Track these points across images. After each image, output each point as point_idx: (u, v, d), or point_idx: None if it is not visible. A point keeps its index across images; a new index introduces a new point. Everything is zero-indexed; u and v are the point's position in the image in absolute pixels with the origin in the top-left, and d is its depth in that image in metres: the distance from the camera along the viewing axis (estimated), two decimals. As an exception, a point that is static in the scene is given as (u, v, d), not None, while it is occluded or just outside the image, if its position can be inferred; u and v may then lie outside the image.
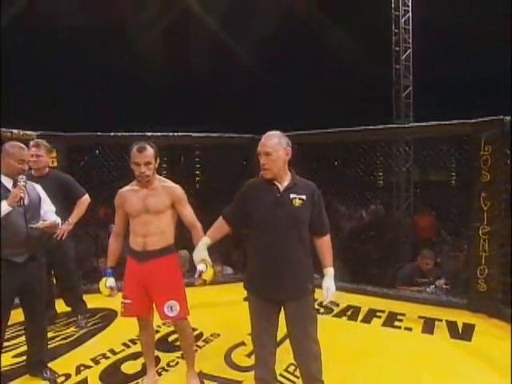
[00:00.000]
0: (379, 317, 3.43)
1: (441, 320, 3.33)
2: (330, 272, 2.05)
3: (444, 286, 4.01)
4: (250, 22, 9.41)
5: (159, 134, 4.26)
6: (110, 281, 2.27)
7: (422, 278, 4.25)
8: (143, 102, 10.13)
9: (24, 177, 2.35)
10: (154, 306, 2.30)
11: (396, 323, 3.29)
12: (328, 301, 2.07)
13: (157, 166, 2.24)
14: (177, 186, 2.32)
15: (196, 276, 1.98)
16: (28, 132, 3.86)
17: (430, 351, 2.80)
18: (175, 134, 4.42)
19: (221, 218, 2.10)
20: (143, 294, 2.23)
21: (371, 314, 3.49)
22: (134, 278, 2.24)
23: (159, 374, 2.52)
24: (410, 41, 6.72)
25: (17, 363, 2.69)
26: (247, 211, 2.01)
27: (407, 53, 6.70)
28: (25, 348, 2.62)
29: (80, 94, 9.48)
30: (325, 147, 4.86)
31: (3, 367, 2.48)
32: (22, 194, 2.25)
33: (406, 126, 5.38)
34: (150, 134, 4.17)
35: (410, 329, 3.19)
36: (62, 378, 2.49)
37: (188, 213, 2.31)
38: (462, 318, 3.36)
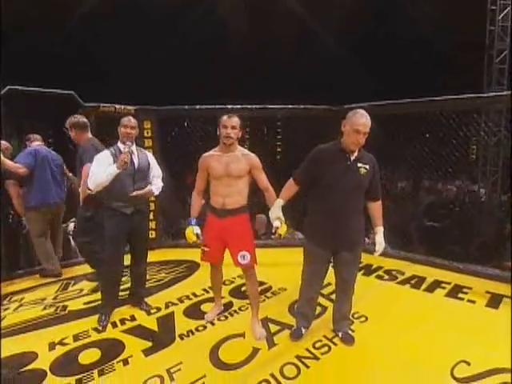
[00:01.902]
0: (443, 288, 3.46)
1: (510, 297, 3.25)
2: (380, 230, 2.48)
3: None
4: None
5: (239, 106, 4.57)
6: (196, 228, 2.67)
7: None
8: (225, 76, 10.50)
9: (130, 143, 2.84)
10: (224, 255, 2.72)
11: (460, 295, 3.30)
12: (379, 253, 2.47)
13: (240, 135, 2.58)
14: (253, 154, 2.65)
15: (273, 231, 2.41)
16: (128, 107, 4.48)
17: (489, 324, 2.80)
18: (254, 106, 4.68)
19: (291, 179, 2.47)
20: (219, 245, 2.65)
21: (435, 285, 3.53)
22: (214, 231, 2.64)
23: (231, 315, 2.96)
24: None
25: (121, 296, 3.35)
26: (317, 173, 2.35)
27: (505, 11, 6.05)
28: (128, 285, 3.24)
29: (167, 70, 10.07)
30: (408, 119, 4.68)
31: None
32: (125, 159, 2.73)
33: (501, 94, 4.94)
34: (230, 106, 4.53)
35: (473, 301, 3.17)
36: (154, 310, 3.07)
37: (263, 178, 2.65)
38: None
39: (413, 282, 3.63)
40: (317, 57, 10.30)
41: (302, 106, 4.81)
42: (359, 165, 2.33)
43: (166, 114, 4.78)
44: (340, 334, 2.59)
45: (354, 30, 9.51)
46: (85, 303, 3.24)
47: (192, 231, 2.66)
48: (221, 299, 3.04)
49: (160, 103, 4.69)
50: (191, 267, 4.09)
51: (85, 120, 3.50)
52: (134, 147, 2.91)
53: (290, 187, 2.48)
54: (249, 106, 4.67)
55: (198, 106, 4.66)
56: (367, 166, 2.35)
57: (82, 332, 2.72)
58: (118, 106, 4.34)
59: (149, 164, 3.02)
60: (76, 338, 2.65)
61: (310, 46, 10.58)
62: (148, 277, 3.74)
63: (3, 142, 3.94)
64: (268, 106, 4.77)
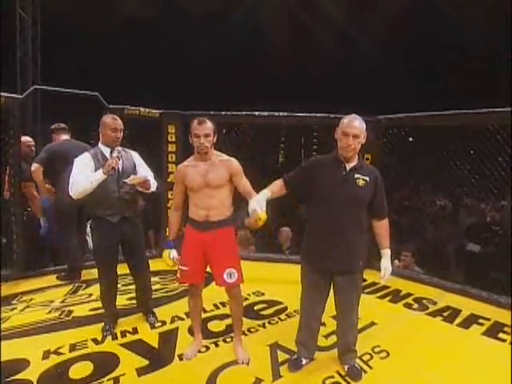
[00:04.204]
0: (481, 324, 3.06)
1: None
2: (387, 253, 2.23)
3: None
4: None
5: (266, 113, 4.40)
6: (173, 252, 2.41)
7: None
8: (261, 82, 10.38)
9: (120, 148, 2.66)
10: (205, 274, 2.44)
11: (500, 335, 2.89)
12: (385, 279, 2.23)
13: (215, 140, 2.32)
14: (233, 158, 2.40)
15: (250, 216, 2.10)
16: (152, 110, 4.41)
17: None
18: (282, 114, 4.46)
19: (280, 180, 2.28)
20: (200, 262, 2.37)
21: (472, 320, 3.13)
22: (193, 247, 2.35)
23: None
24: None
25: (129, 304, 3.22)
26: (309, 184, 2.18)
27: None
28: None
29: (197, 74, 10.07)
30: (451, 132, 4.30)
31: (119, 306, 2.99)
32: (113, 165, 2.52)
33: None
34: (257, 113, 4.38)
35: (517, 344, 2.77)
36: (159, 324, 2.90)
37: (245, 183, 2.38)
38: None
39: (446, 314, 3.24)
40: (359, 67, 9.97)
41: (332, 116, 4.56)
42: (356, 175, 2.13)
43: (190, 119, 4.66)
44: (346, 368, 2.31)
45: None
46: (91, 309, 3.13)
47: (168, 255, 2.41)
48: (201, 331, 2.63)
49: (184, 108, 4.61)
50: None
51: (62, 125, 3.87)
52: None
53: (278, 185, 2.27)
54: (277, 114, 4.48)
55: (223, 112, 4.52)
56: (367, 178, 2.14)
57: (80, 342, 2.59)
58: (142, 109, 4.28)
59: (134, 165, 2.80)
60: (73, 347, 2.52)
61: (350, 57, 10.26)
62: (160, 286, 3.64)
63: (27, 137, 3.97)
64: (297, 114, 4.56)
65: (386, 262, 2.21)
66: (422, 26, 8.39)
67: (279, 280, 3.83)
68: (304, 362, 2.37)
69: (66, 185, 2.59)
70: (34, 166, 3.63)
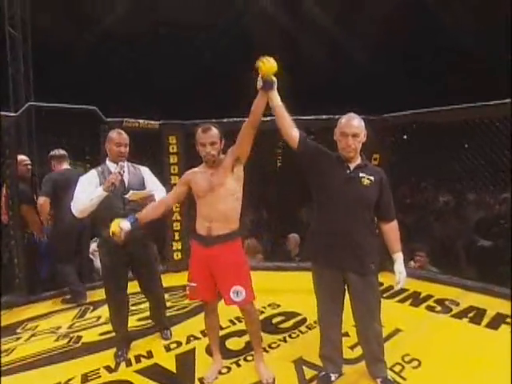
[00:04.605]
0: (508, 323, 2.93)
1: None
2: (399, 257, 2.11)
3: None
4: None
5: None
6: (126, 224, 2.15)
7: None
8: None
9: (124, 163, 2.54)
10: (217, 290, 2.27)
11: (532, 334, 2.77)
12: (401, 285, 2.10)
13: (222, 146, 2.20)
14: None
15: None
16: (152, 122, 4.28)
17: None
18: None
19: (297, 130, 2.15)
20: (209, 278, 2.21)
21: (499, 320, 2.99)
22: (200, 262, 2.22)
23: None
24: None
25: (140, 325, 3.06)
26: (315, 166, 2.10)
27: None
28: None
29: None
30: (445, 127, 4.25)
31: (130, 328, 2.84)
32: (113, 180, 2.40)
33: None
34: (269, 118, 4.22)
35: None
36: (174, 345, 2.74)
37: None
38: None
39: (471, 315, 3.11)
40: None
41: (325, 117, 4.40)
42: (361, 175, 2.05)
43: (192, 129, 4.54)
44: (379, 382, 2.16)
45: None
46: (101, 334, 2.97)
47: (118, 223, 2.14)
48: (219, 351, 2.47)
49: (185, 118, 4.48)
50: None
51: (62, 152, 3.77)
52: (125, 165, 2.59)
53: (293, 134, 2.13)
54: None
55: (225, 119, 4.39)
56: (372, 178, 2.05)
57: (93, 371, 2.43)
58: (141, 121, 4.15)
59: (143, 181, 2.68)
60: (85, 378, 2.35)
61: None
62: (171, 303, 3.48)
63: (23, 156, 3.84)
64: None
65: (399, 267, 2.09)
66: (419, 25, 8.31)
67: (294, 289, 3.69)
68: (333, 377, 2.23)
69: (67, 210, 2.52)
70: (42, 200, 3.58)
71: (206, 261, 2.19)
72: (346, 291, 2.15)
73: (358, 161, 2.10)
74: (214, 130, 2.17)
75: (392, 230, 2.14)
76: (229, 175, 2.19)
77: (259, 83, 2.06)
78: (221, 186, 2.16)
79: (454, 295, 3.52)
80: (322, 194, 2.11)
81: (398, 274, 2.08)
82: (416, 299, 3.48)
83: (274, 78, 2.07)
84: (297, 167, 2.29)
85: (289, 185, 5.76)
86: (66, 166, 3.79)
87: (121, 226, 2.13)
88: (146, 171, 2.76)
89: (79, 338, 2.92)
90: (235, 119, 4.28)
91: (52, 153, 3.82)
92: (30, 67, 6.56)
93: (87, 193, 2.43)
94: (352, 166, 2.08)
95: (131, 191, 2.48)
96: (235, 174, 2.21)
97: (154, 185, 2.71)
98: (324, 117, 4.13)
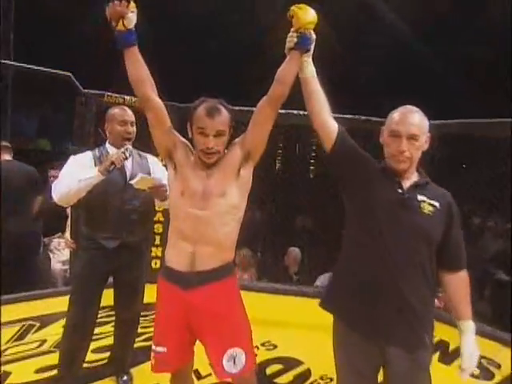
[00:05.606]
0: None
1: None
2: (470, 327, 1.39)
3: None
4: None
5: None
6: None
7: None
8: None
9: (129, 147, 1.95)
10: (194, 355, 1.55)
11: None
12: (470, 372, 1.38)
13: (228, 138, 1.49)
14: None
15: None
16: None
17: None
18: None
19: (335, 124, 1.49)
20: (184, 338, 1.48)
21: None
22: (173, 314, 1.48)
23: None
24: None
25: (94, 360, 2.34)
26: (355, 181, 1.45)
27: None
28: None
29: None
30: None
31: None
32: (113, 159, 1.85)
33: None
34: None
35: None
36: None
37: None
38: None
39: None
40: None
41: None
42: (420, 198, 1.37)
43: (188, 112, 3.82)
44: None
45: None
46: (37, 371, 2.21)
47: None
48: None
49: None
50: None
51: (4, 143, 3.31)
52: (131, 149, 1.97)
53: (331, 125, 1.47)
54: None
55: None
56: (436, 203, 1.37)
57: None
58: (127, 97, 3.38)
59: (149, 172, 2.06)
60: None
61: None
62: (140, 329, 2.71)
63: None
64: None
65: (467, 345, 1.37)
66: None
67: (292, 323, 3.06)
68: None
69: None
70: None
71: (185, 311, 1.44)
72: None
73: (415, 177, 1.43)
74: (224, 113, 1.44)
75: (461, 285, 1.44)
76: (232, 181, 1.47)
77: (291, 40, 1.40)
78: (219, 197, 1.44)
79: (489, 351, 2.83)
80: (360, 221, 1.44)
81: (465, 357, 1.36)
82: (445, 354, 2.80)
83: (314, 35, 1.42)
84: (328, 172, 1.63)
85: (289, 188, 5.15)
86: (7, 157, 3.25)
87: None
88: (153, 161, 2.18)
89: (6, 376, 2.14)
90: (241, 108, 3.56)
91: None
92: (10, 26, 5.81)
93: (76, 174, 1.88)
94: (406, 183, 1.40)
95: (140, 175, 1.85)
96: (241, 179, 1.50)
97: (164, 175, 2.00)
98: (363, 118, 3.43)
